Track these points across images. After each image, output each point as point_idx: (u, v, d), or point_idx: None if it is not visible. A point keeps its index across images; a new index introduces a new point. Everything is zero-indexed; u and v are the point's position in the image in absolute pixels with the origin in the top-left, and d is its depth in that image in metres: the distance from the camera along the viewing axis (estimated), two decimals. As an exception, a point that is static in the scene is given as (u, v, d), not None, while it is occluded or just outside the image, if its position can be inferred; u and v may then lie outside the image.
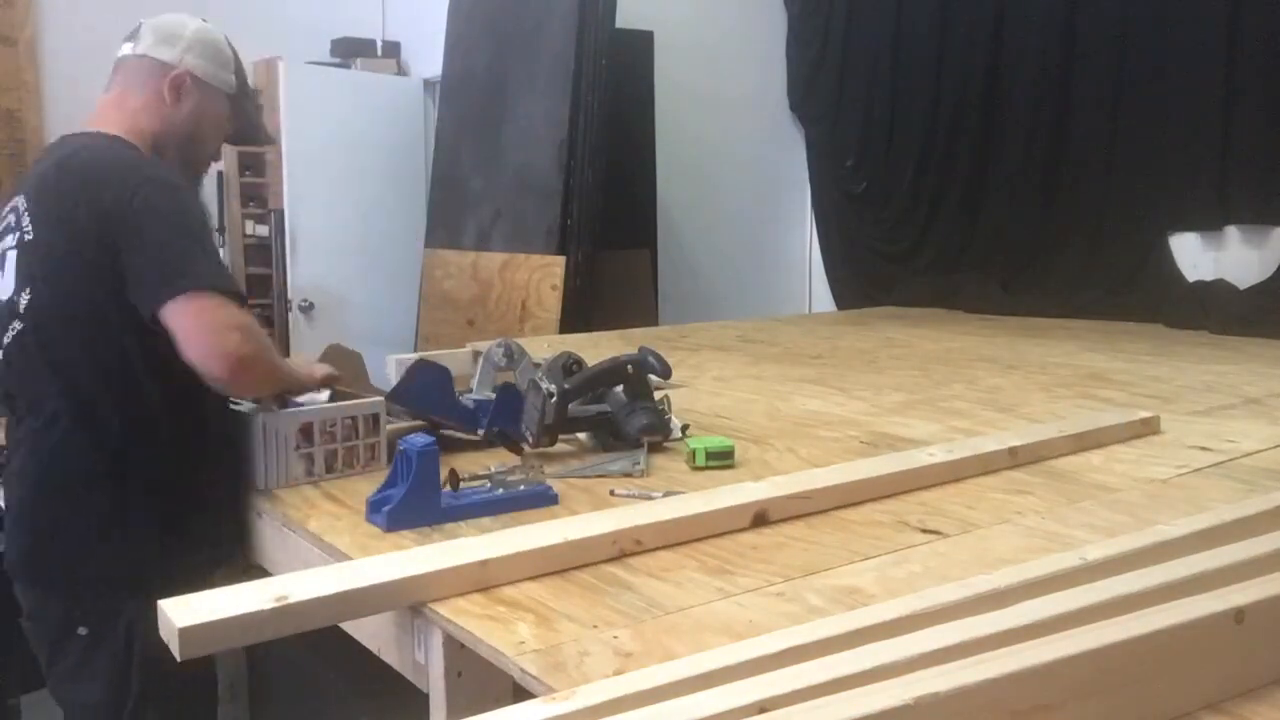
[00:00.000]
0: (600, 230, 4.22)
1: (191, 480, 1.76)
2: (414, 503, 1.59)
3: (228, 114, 1.92)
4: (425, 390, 2.01)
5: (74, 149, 1.74)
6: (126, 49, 1.85)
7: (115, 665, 1.70)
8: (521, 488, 1.69)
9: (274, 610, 1.22)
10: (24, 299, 1.67)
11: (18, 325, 1.68)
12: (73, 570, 1.69)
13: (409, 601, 1.31)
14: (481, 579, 1.34)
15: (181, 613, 1.20)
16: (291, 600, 1.23)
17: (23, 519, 1.72)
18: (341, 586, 1.28)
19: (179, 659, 1.19)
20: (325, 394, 1.95)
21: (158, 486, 1.71)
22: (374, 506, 1.62)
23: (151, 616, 1.24)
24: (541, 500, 1.70)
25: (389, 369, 3.27)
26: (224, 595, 1.25)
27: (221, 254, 5.43)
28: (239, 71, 1.93)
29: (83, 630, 1.69)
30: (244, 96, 1.95)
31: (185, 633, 1.17)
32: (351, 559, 1.45)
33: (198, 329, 1.59)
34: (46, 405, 1.68)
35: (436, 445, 1.60)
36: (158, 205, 1.64)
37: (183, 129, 1.83)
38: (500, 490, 1.68)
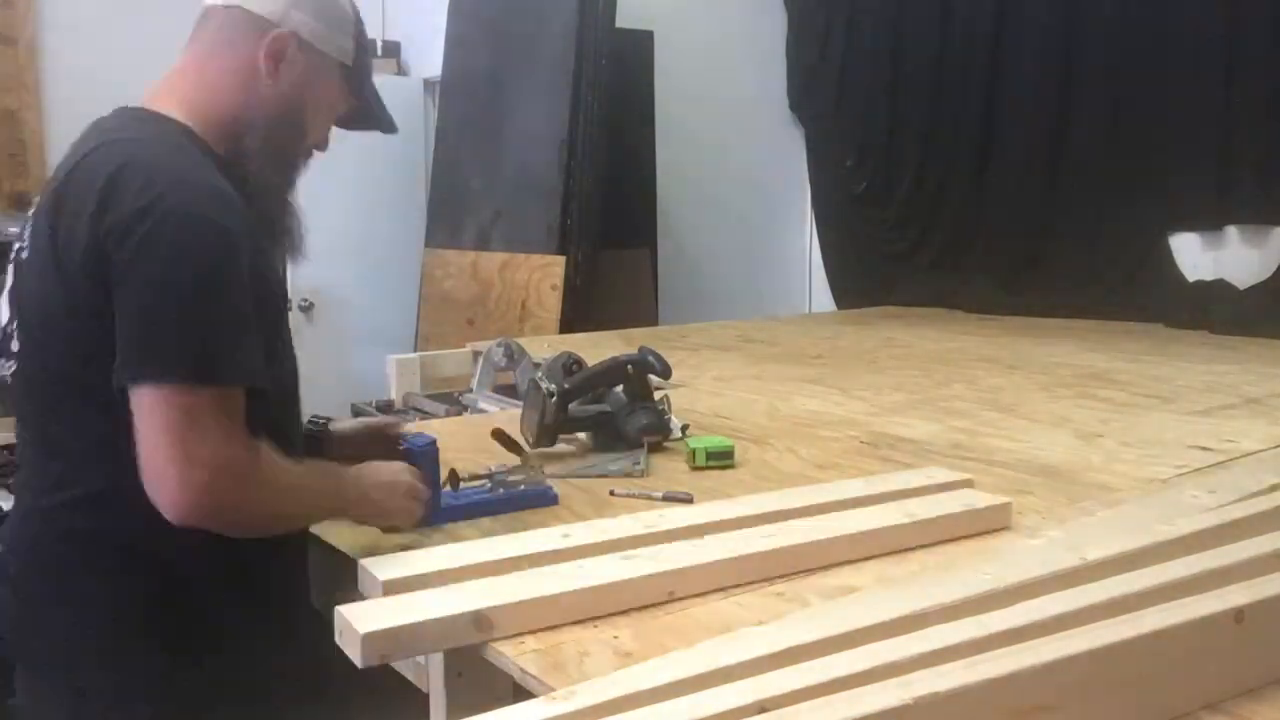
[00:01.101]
0: (600, 230, 4.22)
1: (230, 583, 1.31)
2: (414, 503, 1.58)
3: (342, 91, 1.45)
4: None
5: (103, 140, 1.29)
6: None
7: None
8: (522, 488, 1.69)
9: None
10: (14, 331, 1.32)
11: (10, 365, 1.33)
12: (69, 667, 1.30)
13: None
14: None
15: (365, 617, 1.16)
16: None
17: (15, 582, 1.34)
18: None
19: (360, 665, 1.13)
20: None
21: (175, 589, 1.28)
22: (374, 506, 1.62)
23: None
24: (542, 500, 1.69)
25: (389, 369, 3.28)
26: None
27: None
28: (359, 35, 1.46)
29: None
30: (363, 68, 1.48)
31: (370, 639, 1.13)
32: (351, 558, 1.44)
33: (154, 447, 1.16)
34: (49, 463, 1.32)
35: (436, 445, 1.60)
36: (160, 248, 1.18)
37: (278, 109, 1.39)
38: (500, 490, 1.68)
